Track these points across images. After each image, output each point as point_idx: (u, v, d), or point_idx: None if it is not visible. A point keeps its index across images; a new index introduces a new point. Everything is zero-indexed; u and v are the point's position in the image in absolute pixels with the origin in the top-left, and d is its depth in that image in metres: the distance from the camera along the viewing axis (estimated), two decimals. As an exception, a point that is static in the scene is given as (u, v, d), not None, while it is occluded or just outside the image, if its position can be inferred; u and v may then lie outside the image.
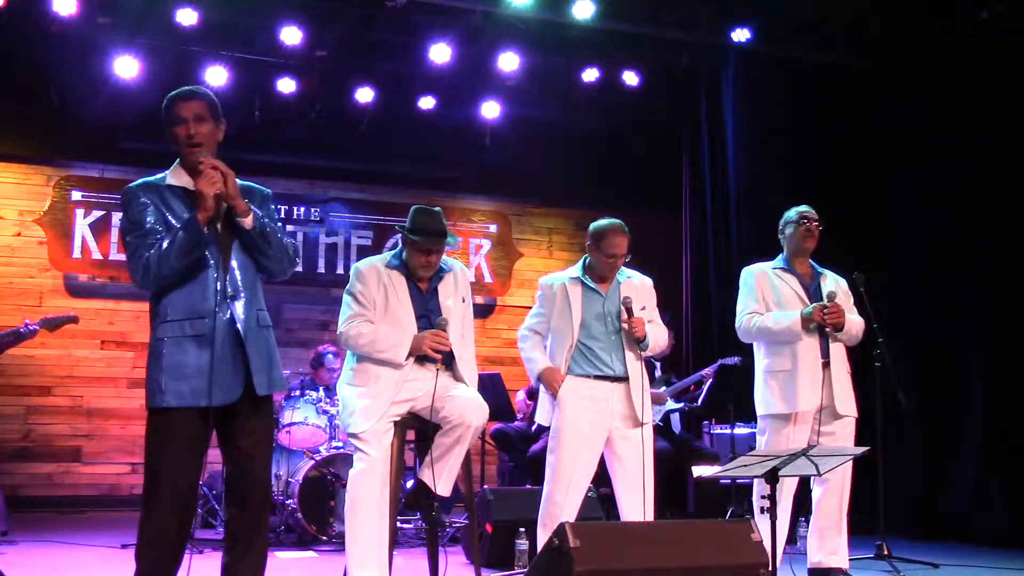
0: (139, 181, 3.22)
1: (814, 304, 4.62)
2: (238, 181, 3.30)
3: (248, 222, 3.15)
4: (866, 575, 4.99)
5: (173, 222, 3.12)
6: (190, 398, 3.06)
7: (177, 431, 3.07)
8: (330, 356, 6.95)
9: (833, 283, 4.82)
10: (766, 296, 4.74)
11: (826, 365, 4.60)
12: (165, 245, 3.04)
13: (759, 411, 4.74)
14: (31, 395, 7.98)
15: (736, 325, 4.82)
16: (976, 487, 6.35)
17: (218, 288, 3.12)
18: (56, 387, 8.05)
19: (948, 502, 6.52)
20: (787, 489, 4.54)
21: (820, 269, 4.87)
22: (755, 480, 4.62)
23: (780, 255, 4.87)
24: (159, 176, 3.23)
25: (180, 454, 3.08)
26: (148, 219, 3.12)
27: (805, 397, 4.55)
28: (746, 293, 4.81)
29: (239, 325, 3.14)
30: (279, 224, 3.38)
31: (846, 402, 4.65)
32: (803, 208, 4.84)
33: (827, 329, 4.59)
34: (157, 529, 3.06)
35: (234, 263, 3.18)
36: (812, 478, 4.64)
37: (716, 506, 6.31)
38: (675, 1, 7.37)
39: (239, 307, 3.16)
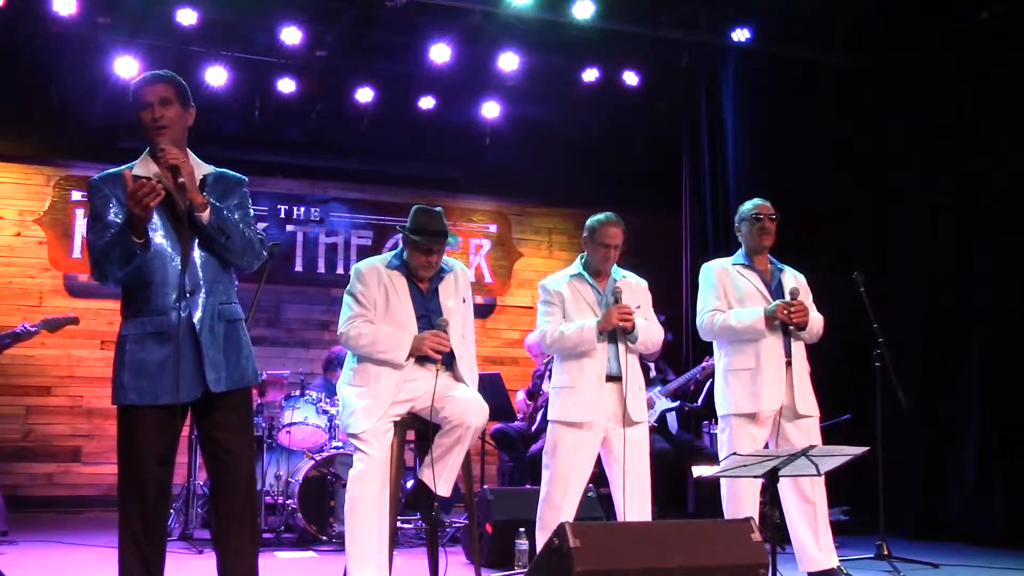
0: (104, 172, 3.17)
1: (777, 301, 4.56)
2: (211, 168, 3.28)
3: (205, 217, 3.08)
4: (866, 575, 4.99)
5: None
6: (150, 396, 3.05)
7: (143, 430, 3.07)
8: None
9: (792, 279, 4.76)
10: (728, 293, 4.68)
11: (789, 364, 4.56)
12: (106, 253, 3.01)
13: (720, 411, 4.67)
14: (31, 395, 7.98)
15: (697, 323, 4.76)
16: (976, 487, 6.35)
17: (179, 283, 3.08)
18: (56, 387, 8.05)
19: (948, 502, 6.52)
20: (753, 491, 4.50)
21: (779, 265, 4.81)
22: (722, 480, 4.59)
23: (740, 250, 4.80)
24: (126, 166, 3.17)
25: (146, 453, 3.07)
26: (109, 213, 3.08)
27: (769, 396, 4.50)
28: (707, 290, 4.74)
29: (194, 321, 3.09)
30: (250, 212, 3.32)
31: (806, 402, 4.60)
32: (758, 201, 4.75)
33: (790, 327, 4.55)
34: (132, 528, 3.07)
35: (196, 257, 3.13)
36: (779, 488, 4.58)
37: (716, 506, 6.30)
38: (675, 1, 7.36)
39: (196, 304, 3.10)
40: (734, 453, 4.37)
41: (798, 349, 4.63)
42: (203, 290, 3.13)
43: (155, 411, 3.06)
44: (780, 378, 4.53)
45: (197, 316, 3.10)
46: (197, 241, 3.13)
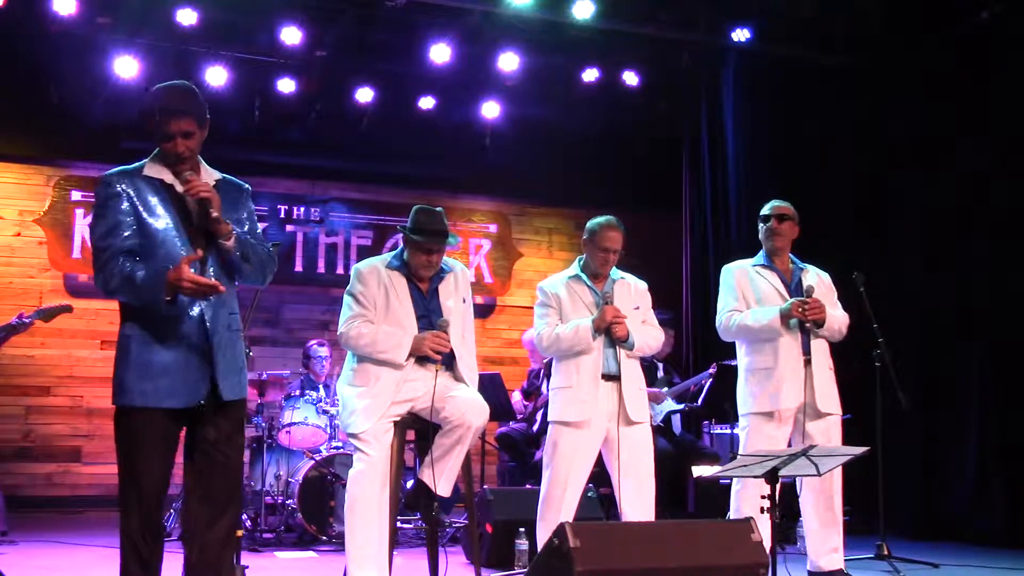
0: (116, 169, 3.17)
1: (792, 299, 4.56)
2: (218, 175, 3.29)
3: (230, 244, 3.13)
4: (866, 575, 4.99)
5: (144, 215, 3.08)
6: (154, 397, 3.05)
7: (144, 431, 3.06)
8: (315, 346, 7.00)
9: (815, 277, 4.76)
10: (746, 294, 4.69)
11: (808, 363, 4.55)
12: (127, 280, 3.00)
13: (741, 409, 4.69)
14: (31, 395, 7.99)
15: (716, 324, 4.78)
16: (976, 487, 6.35)
17: None
18: (56, 387, 8.05)
19: (948, 502, 6.52)
20: (758, 492, 4.47)
21: (801, 264, 4.82)
22: (734, 480, 4.60)
23: (761, 251, 4.83)
24: (137, 165, 3.19)
25: (147, 455, 3.06)
26: (119, 208, 3.08)
27: (787, 395, 4.51)
28: (726, 291, 4.76)
29: (208, 327, 3.11)
30: (257, 224, 3.36)
31: (828, 400, 4.60)
32: (774, 203, 4.77)
33: (807, 325, 4.55)
34: (132, 531, 3.07)
35: (210, 265, 3.15)
36: (798, 482, 4.61)
37: (716, 506, 6.30)
38: (675, 1, 7.37)
39: (211, 309, 3.12)
40: (738, 453, 4.38)
41: (818, 347, 4.62)
42: (214, 297, 3.14)
43: (159, 413, 3.06)
44: (798, 376, 4.52)
45: (210, 323, 3.12)
46: (213, 248, 3.16)
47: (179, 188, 3.14)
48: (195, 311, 3.10)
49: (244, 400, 3.29)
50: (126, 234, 3.06)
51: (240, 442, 3.32)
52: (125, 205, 3.09)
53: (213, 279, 3.07)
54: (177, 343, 3.07)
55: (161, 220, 3.10)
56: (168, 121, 3.12)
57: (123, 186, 3.11)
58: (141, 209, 3.09)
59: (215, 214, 3.07)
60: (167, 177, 3.15)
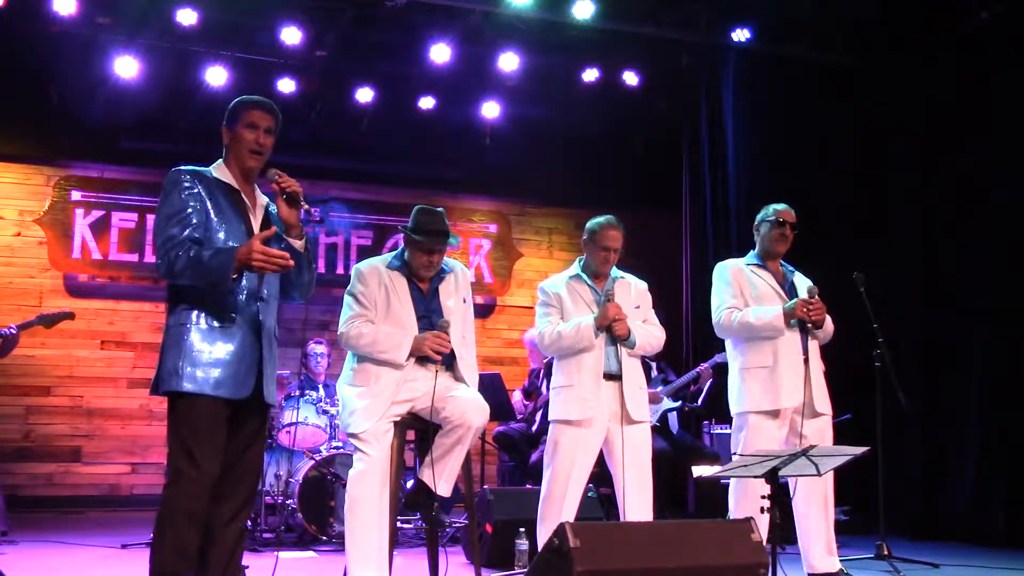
0: (186, 167, 3.24)
1: (797, 299, 4.58)
2: (265, 198, 3.41)
3: (300, 245, 3.24)
4: (866, 575, 4.99)
5: (213, 215, 3.15)
6: (205, 384, 3.07)
7: (201, 420, 3.08)
8: (311, 344, 7.01)
9: (802, 282, 4.78)
10: (744, 291, 4.69)
11: (806, 362, 4.56)
12: (194, 260, 3.01)
13: (736, 409, 4.65)
14: (31, 395, 7.99)
15: (714, 321, 4.74)
16: (976, 487, 6.35)
17: (256, 287, 3.20)
18: (56, 387, 8.06)
19: (948, 502, 6.52)
20: (755, 491, 4.47)
21: (790, 268, 4.84)
22: (732, 481, 4.59)
23: (752, 252, 4.83)
24: (204, 168, 3.27)
25: (204, 444, 3.07)
26: (189, 203, 3.13)
27: (789, 393, 4.50)
28: (723, 288, 4.74)
29: (262, 329, 3.20)
30: None
31: (823, 400, 4.62)
32: (781, 207, 4.76)
33: (808, 325, 4.56)
34: (175, 523, 3.04)
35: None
36: (790, 483, 4.60)
37: (716, 506, 6.31)
38: (675, 1, 7.37)
39: (265, 311, 3.22)
40: (738, 453, 4.38)
41: (814, 348, 4.65)
42: (270, 301, 3.25)
43: (214, 403, 3.09)
44: (799, 375, 4.53)
45: (264, 325, 3.23)
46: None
47: (243, 195, 3.25)
48: (252, 310, 3.19)
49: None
50: (194, 222, 3.12)
51: (264, 445, 3.40)
52: (195, 201, 3.15)
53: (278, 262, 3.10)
54: (231, 338, 3.14)
55: (229, 222, 3.18)
56: (255, 113, 3.29)
57: (196, 182, 3.18)
58: (211, 209, 3.16)
59: (305, 207, 3.21)
60: (234, 183, 3.25)
